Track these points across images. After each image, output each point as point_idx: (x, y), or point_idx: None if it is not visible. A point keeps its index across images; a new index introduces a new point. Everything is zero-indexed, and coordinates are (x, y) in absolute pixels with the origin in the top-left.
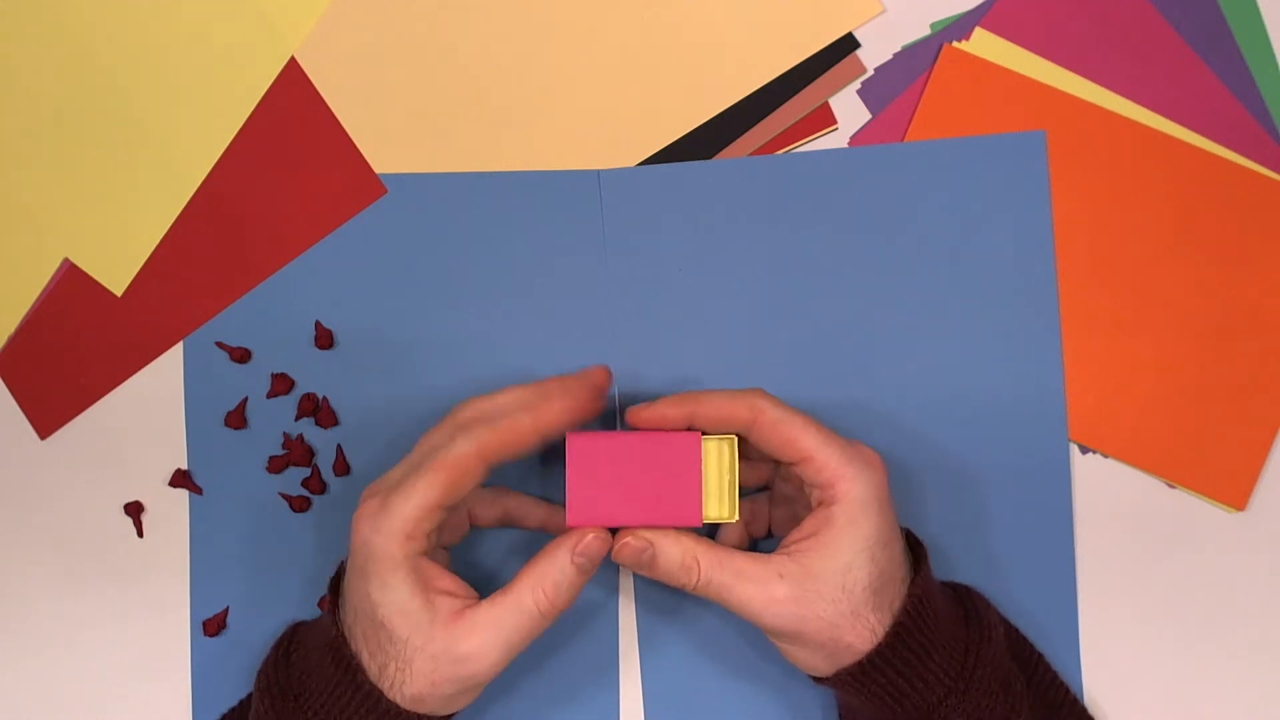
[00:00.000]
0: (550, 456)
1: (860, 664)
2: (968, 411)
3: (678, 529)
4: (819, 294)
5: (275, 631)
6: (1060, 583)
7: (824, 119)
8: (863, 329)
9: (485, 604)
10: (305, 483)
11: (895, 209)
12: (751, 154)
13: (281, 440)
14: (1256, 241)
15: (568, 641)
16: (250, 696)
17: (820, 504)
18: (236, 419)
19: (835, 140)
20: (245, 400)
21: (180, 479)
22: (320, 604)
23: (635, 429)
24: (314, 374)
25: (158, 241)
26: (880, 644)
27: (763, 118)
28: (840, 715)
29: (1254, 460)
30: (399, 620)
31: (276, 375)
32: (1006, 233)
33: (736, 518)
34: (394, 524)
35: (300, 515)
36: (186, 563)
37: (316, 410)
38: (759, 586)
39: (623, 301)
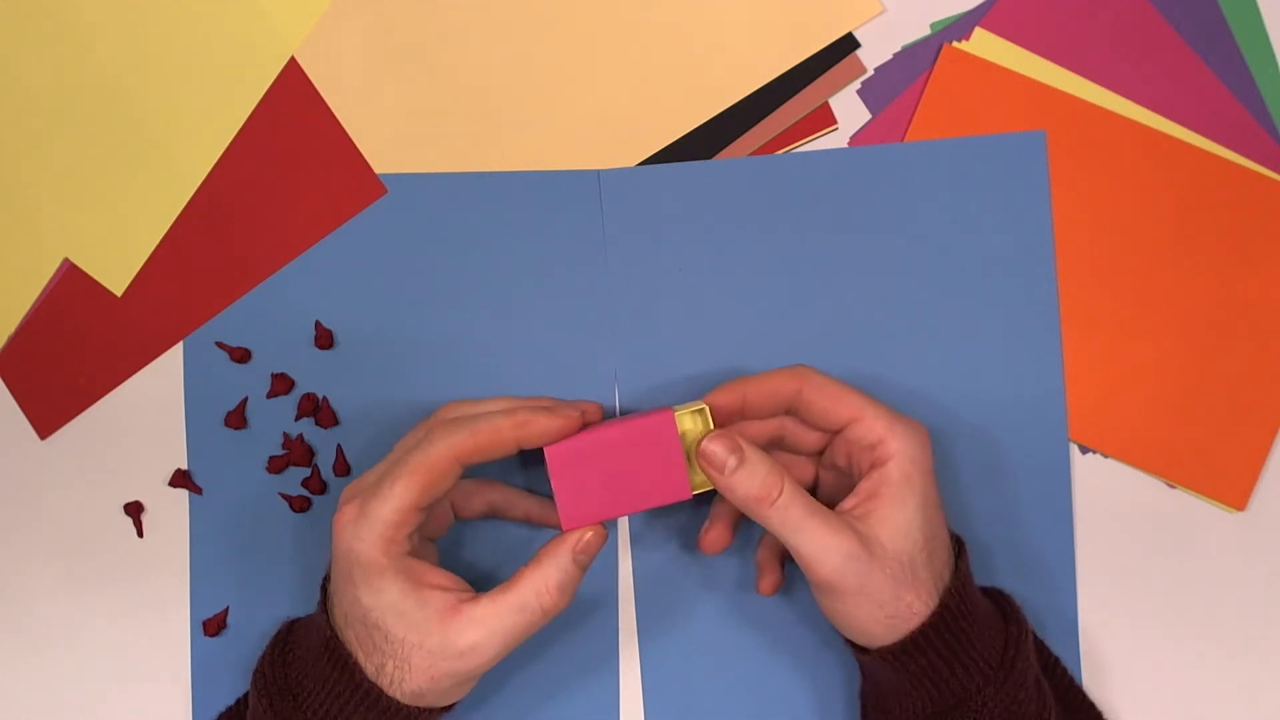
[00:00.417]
0: (530, 451)
1: (904, 642)
2: (968, 411)
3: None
4: (819, 294)
5: (275, 631)
6: (1060, 583)
7: (824, 119)
8: (862, 329)
9: (485, 599)
10: (305, 483)
11: (895, 209)
12: (751, 154)
13: (281, 440)
14: (1256, 241)
15: (568, 632)
16: (247, 695)
17: (873, 466)
18: (236, 419)
19: (835, 140)
20: (245, 400)
21: (180, 479)
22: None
23: (611, 420)
24: (314, 374)
25: (158, 241)
26: (926, 623)
27: (763, 118)
28: (863, 700)
29: (1254, 460)
30: (394, 620)
31: (276, 375)
32: (1006, 233)
33: None
34: (374, 530)
35: (300, 515)
36: (186, 563)
37: (316, 410)
38: (831, 530)
39: (623, 301)
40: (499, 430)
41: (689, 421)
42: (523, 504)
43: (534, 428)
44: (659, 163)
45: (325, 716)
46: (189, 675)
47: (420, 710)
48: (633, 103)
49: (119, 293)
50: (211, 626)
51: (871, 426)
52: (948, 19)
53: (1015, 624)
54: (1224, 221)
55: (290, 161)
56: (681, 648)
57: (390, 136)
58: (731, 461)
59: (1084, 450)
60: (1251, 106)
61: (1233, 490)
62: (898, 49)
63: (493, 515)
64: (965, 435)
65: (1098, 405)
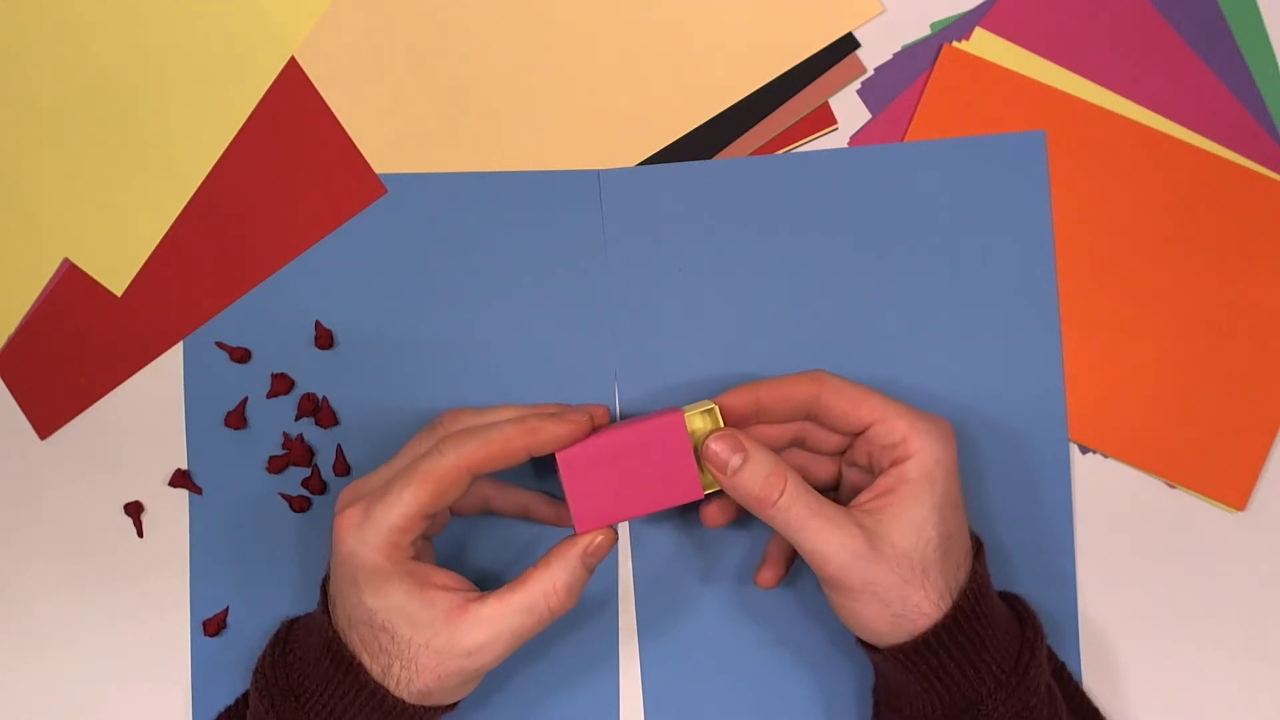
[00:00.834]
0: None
1: (915, 642)
2: (968, 411)
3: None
4: (819, 294)
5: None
6: (1060, 583)
7: (824, 119)
8: (862, 329)
9: (493, 599)
10: (305, 483)
11: (895, 209)
12: (751, 154)
13: (281, 440)
14: (1256, 241)
15: (569, 630)
16: (247, 694)
17: (894, 463)
18: (236, 419)
19: (835, 140)
20: (245, 400)
21: (180, 479)
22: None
23: (620, 422)
24: (314, 374)
25: (158, 241)
26: (938, 623)
27: (763, 118)
28: (875, 694)
29: (1254, 460)
30: (400, 622)
31: (276, 375)
32: (1006, 233)
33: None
34: (380, 536)
35: (300, 515)
36: (186, 563)
37: (316, 410)
38: (835, 527)
39: (623, 301)
40: (510, 439)
41: (698, 421)
42: (517, 498)
43: (544, 435)
44: (659, 163)
45: (330, 717)
46: (189, 675)
47: (426, 709)
48: (633, 103)
49: (119, 293)
50: (211, 626)
51: (893, 426)
52: (948, 19)
53: (1031, 628)
54: (1224, 221)
55: (290, 161)
56: (682, 646)
57: (390, 136)
58: (735, 461)
59: (1084, 450)
60: (1251, 106)
61: (1233, 490)
62: (898, 49)
63: (488, 512)
64: (965, 435)
65: (1098, 405)
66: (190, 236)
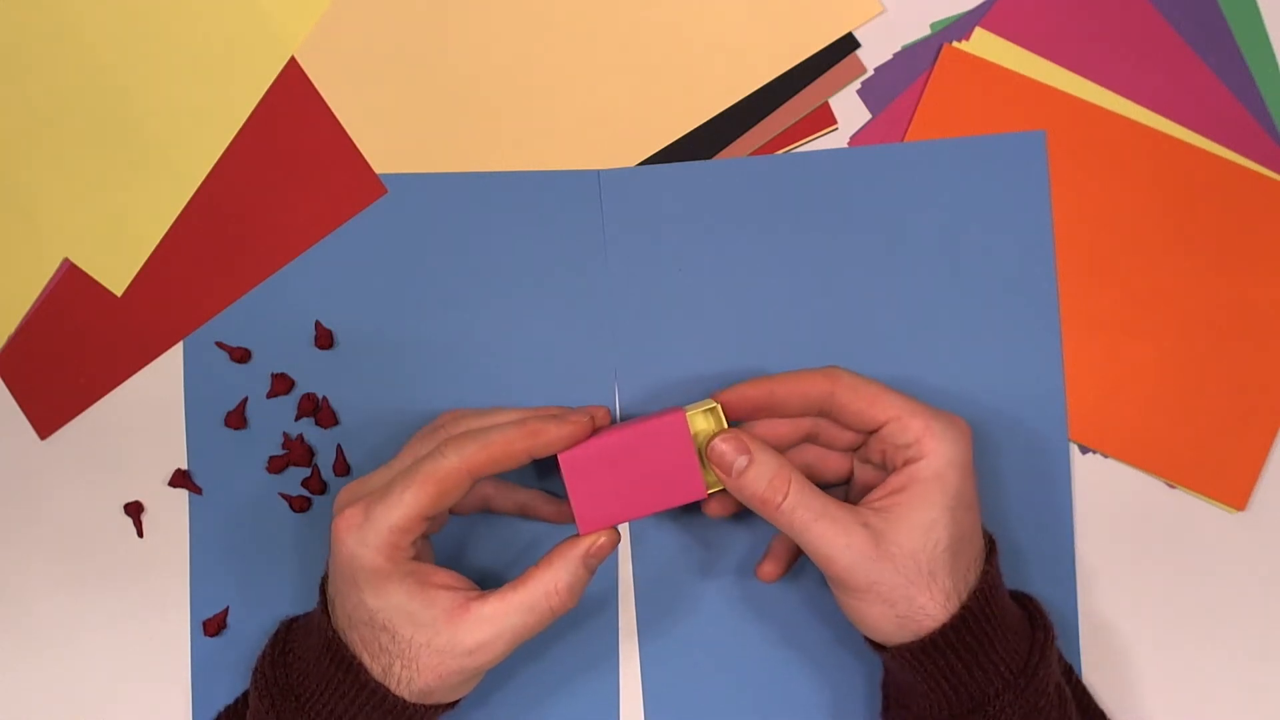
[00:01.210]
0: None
1: (922, 642)
2: (968, 411)
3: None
4: (819, 294)
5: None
6: (1060, 583)
7: (824, 119)
8: (863, 329)
9: (494, 598)
10: (305, 483)
11: (895, 209)
12: (751, 154)
13: (281, 440)
14: (1256, 241)
15: (569, 629)
16: (247, 693)
17: (907, 462)
18: (236, 419)
19: (835, 140)
20: (245, 400)
21: (180, 479)
22: None
23: (622, 423)
24: (314, 374)
25: (158, 241)
26: (945, 624)
27: (763, 118)
28: (884, 690)
29: (1254, 460)
30: (401, 621)
31: (276, 375)
32: (1006, 233)
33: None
34: (380, 536)
35: (300, 515)
36: (186, 563)
37: (316, 410)
38: (840, 528)
39: (623, 301)
40: (511, 442)
41: (701, 420)
42: (517, 497)
43: (545, 437)
44: (659, 163)
45: (330, 717)
46: (189, 675)
47: (426, 708)
48: (633, 103)
49: (119, 293)
50: (211, 626)
51: (907, 426)
52: (948, 19)
53: (1042, 629)
54: (1224, 221)
55: (290, 161)
56: (682, 645)
57: (390, 136)
58: (740, 462)
59: (1084, 450)
60: (1251, 106)
61: (1233, 490)
62: (898, 49)
63: (486, 510)
64: None
65: (1098, 405)
66: (190, 236)
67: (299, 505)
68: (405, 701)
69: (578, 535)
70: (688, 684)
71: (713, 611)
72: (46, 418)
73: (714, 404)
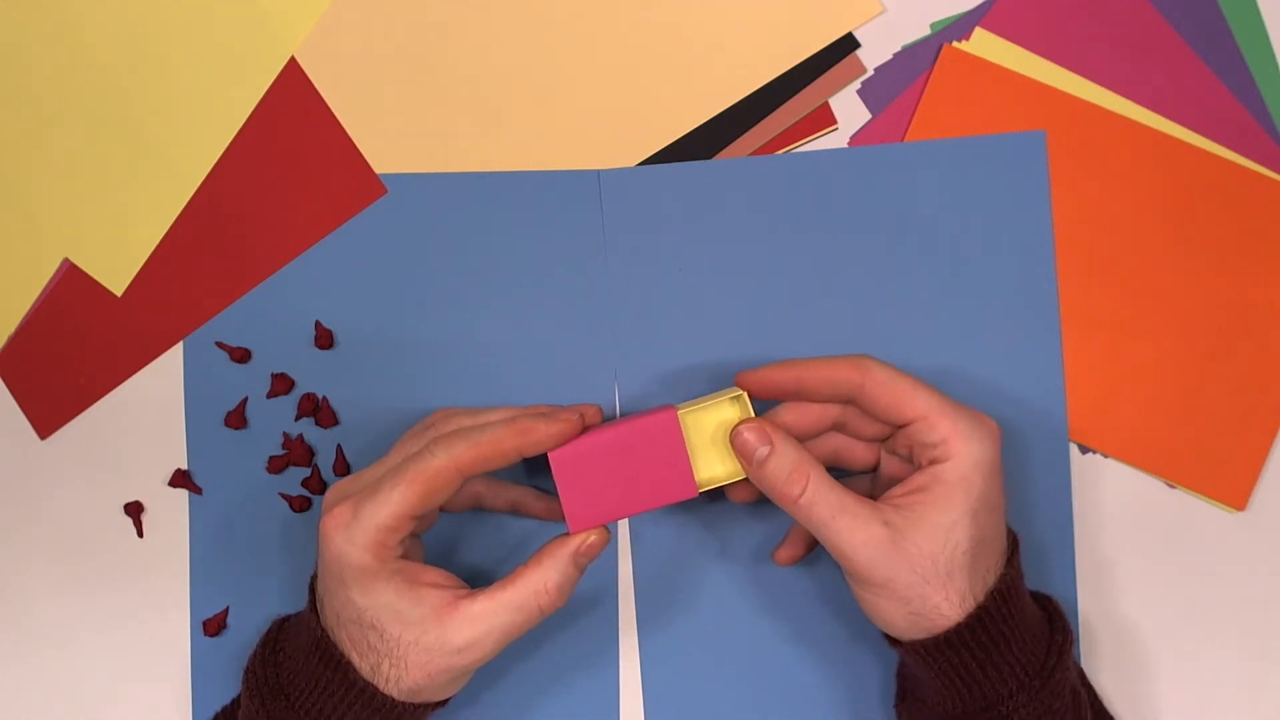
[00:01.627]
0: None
1: (936, 640)
2: None
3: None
4: (819, 294)
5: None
6: (1060, 583)
7: (824, 119)
8: (863, 329)
9: (482, 597)
10: (305, 483)
11: (895, 209)
12: (751, 154)
13: (281, 440)
14: (1256, 241)
15: (568, 623)
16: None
17: (932, 462)
18: (236, 419)
19: (835, 140)
20: (245, 400)
21: (180, 479)
22: None
23: (613, 421)
24: (314, 374)
25: (158, 241)
26: (960, 623)
27: (763, 118)
28: (900, 681)
29: (1254, 460)
30: (389, 620)
31: (276, 375)
32: (1006, 233)
33: (738, 475)
34: (368, 535)
35: (300, 515)
36: (186, 563)
37: (316, 410)
38: (859, 524)
39: (623, 301)
40: (500, 440)
41: (727, 408)
42: (508, 494)
43: (535, 435)
44: (659, 163)
45: (319, 716)
46: (189, 675)
47: (415, 706)
48: (633, 103)
49: (119, 293)
50: (211, 626)
51: (935, 425)
52: (948, 19)
53: (1060, 631)
54: (1224, 221)
55: (290, 161)
56: (681, 641)
57: (390, 136)
58: (762, 451)
59: (1084, 450)
60: (1251, 106)
61: (1233, 490)
62: (898, 49)
63: (479, 508)
64: None
65: (1098, 405)
66: (190, 236)
67: (299, 505)
68: (394, 700)
69: (568, 534)
70: (688, 680)
71: (713, 606)
72: (46, 418)
73: (740, 392)
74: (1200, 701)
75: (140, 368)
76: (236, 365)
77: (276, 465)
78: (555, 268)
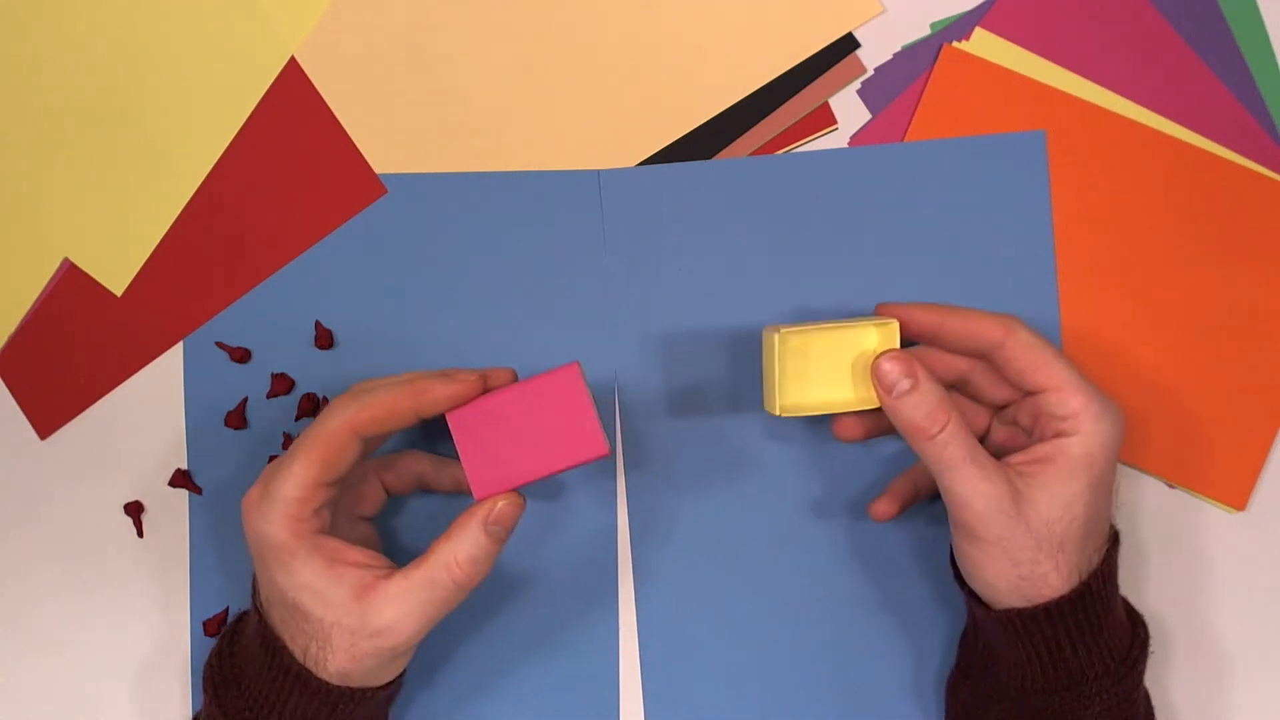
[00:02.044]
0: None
1: (1035, 609)
2: None
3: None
4: (819, 294)
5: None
6: None
7: (824, 119)
8: None
9: (398, 576)
10: None
11: (895, 209)
12: (751, 154)
13: (281, 440)
14: (1257, 241)
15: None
16: None
17: (1058, 435)
18: (236, 419)
19: (835, 140)
20: (245, 400)
21: (180, 479)
22: None
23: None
24: (314, 374)
25: (158, 241)
26: (1065, 596)
27: (763, 118)
28: (966, 652)
29: (1254, 460)
30: (310, 600)
31: (276, 375)
32: (1006, 233)
33: (871, 404)
34: (278, 510)
35: None
36: (186, 563)
37: (316, 410)
38: (987, 474)
39: (623, 301)
40: (395, 400)
41: (874, 334)
42: (451, 473)
43: (430, 395)
44: (659, 163)
45: (264, 702)
46: (189, 675)
47: (352, 690)
48: (633, 103)
49: (119, 293)
50: (211, 626)
51: (1067, 399)
52: (948, 19)
53: (1143, 627)
54: (1224, 221)
55: (290, 161)
56: (681, 640)
57: (390, 136)
58: (904, 384)
59: None
60: (1251, 106)
61: (1233, 490)
62: (898, 49)
63: (424, 488)
64: None
65: None
66: (190, 236)
67: None
68: (328, 684)
69: (477, 504)
70: (689, 679)
71: (714, 602)
72: (46, 418)
73: (893, 321)
74: (1201, 701)
75: (140, 368)
76: (236, 365)
77: None
78: (555, 268)
